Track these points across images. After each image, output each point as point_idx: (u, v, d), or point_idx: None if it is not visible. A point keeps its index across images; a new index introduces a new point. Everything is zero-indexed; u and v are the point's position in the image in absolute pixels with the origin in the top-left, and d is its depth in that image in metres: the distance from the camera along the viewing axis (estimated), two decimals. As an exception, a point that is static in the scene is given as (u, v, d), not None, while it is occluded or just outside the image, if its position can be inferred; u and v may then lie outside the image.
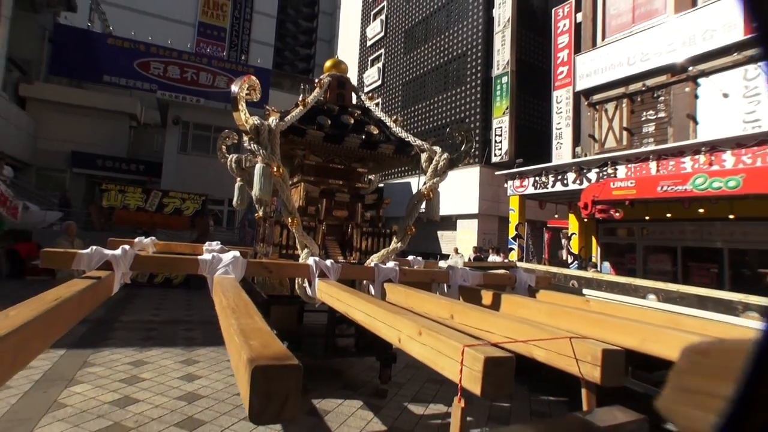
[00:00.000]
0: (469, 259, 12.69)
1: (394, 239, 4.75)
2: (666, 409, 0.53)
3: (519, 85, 17.56)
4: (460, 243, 17.90)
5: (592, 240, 12.69)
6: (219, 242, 5.97)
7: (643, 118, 12.36)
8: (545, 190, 11.55)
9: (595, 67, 13.23)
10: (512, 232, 12.93)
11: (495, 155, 17.39)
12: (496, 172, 15.01)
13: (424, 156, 4.96)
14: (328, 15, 51.45)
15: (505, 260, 11.40)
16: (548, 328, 2.43)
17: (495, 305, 3.97)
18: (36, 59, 19.72)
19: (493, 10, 18.45)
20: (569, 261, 12.34)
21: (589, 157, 11.31)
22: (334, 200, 5.05)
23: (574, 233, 12.68)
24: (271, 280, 4.56)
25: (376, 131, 5.13)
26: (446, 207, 19.32)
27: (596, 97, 13.38)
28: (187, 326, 7.12)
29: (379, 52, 27.36)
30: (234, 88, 3.92)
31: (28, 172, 17.71)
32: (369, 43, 28.69)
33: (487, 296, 4.08)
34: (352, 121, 5.11)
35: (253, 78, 4.04)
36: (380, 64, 26.89)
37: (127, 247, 3.46)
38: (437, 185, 4.86)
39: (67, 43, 20.51)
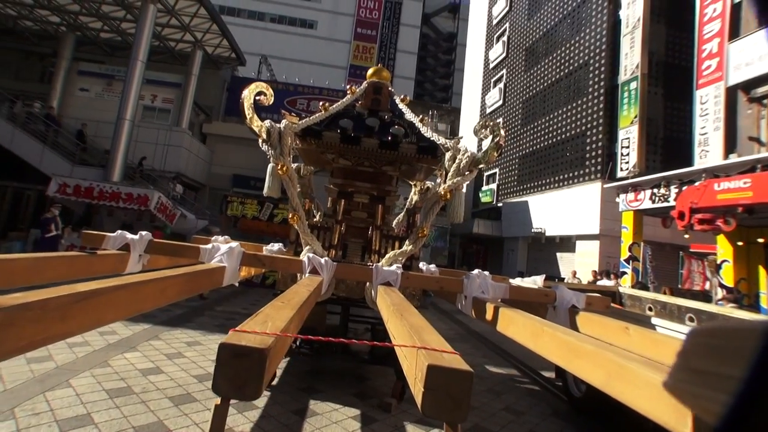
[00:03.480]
0: (588, 282, 10.92)
1: (406, 242, 4.23)
2: (674, 389, 0.52)
3: (651, 89, 14.83)
4: (579, 266, 15.63)
5: (759, 270, 9.48)
6: (282, 245, 6.13)
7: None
8: (666, 204, 9.22)
9: (761, 52, 10.03)
10: (624, 254, 10.66)
11: (621, 169, 14.82)
12: (605, 185, 12.72)
13: (447, 155, 4.36)
14: (464, 47, 51.76)
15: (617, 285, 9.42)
16: (422, 338, 1.75)
17: (493, 319, 3.22)
18: (217, 104, 24.00)
19: (620, 12, 16.11)
20: (718, 296, 9.26)
21: (728, 161, 8.65)
22: (352, 201, 4.79)
23: (725, 260, 9.75)
24: (282, 277, 4.48)
25: (401, 132, 4.73)
26: (564, 227, 17.33)
27: (762, 90, 10.14)
28: (263, 320, 7.50)
29: (501, 73, 26.27)
30: (243, 94, 3.99)
31: (204, 191, 21.37)
32: (491, 65, 27.83)
33: (491, 310, 3.34)
34: (379, 124, 4.81)
35: (262, 83, 4.08)
36: (501, 84, 25.76)
37: (144, 233, 3.73)
38: (459, 185, 4.20)
39: (238, 89, 24.57)
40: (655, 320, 4.30)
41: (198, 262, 3.78)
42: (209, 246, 3.78)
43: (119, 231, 3.68)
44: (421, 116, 4.73)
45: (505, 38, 25.93)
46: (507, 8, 26.35)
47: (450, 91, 51.12)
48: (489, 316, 3.34)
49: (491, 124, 4.24)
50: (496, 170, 24.77)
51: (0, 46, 20.03)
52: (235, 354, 1.22)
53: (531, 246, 20.50)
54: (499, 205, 23.06)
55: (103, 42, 20.33)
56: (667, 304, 5.66)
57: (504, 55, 25.76)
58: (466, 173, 4.22)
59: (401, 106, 5.05)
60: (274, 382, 4.34)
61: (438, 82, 53.92)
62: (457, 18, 50.42)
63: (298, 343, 4.57)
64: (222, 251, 3.76)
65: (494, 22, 28.34)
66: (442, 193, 4.16)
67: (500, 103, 25.36)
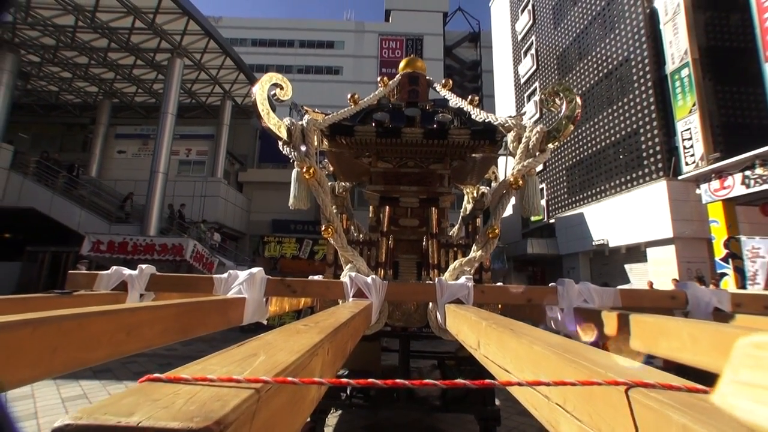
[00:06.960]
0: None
1: (473, 248, 3.31)
2: (724, 404, 0.48)
3: (705, 74, 13.47)
4: (654, 276, 13.84)
5: None
6: (322, 276, 5.37)
7: None
8: (766, 186, 7.75)
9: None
10: (719, 252, 9.03)
11: (686, 163, 13.23)
12: (679, 177, 11.19)
13: (510, 135, 3.49)
14: (490, 72, 51.52)
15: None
16: (606, 366, 0.81)
17: (623, 330, 2.20)
18: (251, 153, 24.46)
19: (655, 2, 15.13)
20: None
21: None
22: (398, 207, 3.94)
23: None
24: (321, 308, 3.64)
25: (448, 119, 3.92)
26: (630, 235, 15.62)
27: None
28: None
29: (534, 86, 25.45)
30: (254, 89, 3.35)
31: (244, 239, 21.29)
32: (522, 80, 27.13)
33: (613, 319, 2.32)
34: (420, 113, 4.03)
35: (277, 74, 3.43)
36: (536, 98, 24.87)
37: (144, 266, 3.04)
38: (531, 169, 3.29)
39: (271, 137, 25.05)
40: None
41: (214, 296, 2.99)
42: (225, 275, 3.02)
43: (114, 267, 2.98)
44: (470, 96, 3.93)
45: (533, 51, 25.33)
46: (531, 21, 25.89)
47: (480, 118, 50.47)
48: (611, 328, 2.31)
49: (561, 89, 3.34)
50: (543, 185, 23.41)
51: (46, 122, 21.74)
52: None
53: (593, 261, 18.71)
54: (551, 221, 21.51)
55: (137, 105, 21.63)
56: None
57: (534, 67, 25.05)
58: (538, 153, 3.30)
59: (444, 92, 4.28)
60: (321, 446, 3.40)
61: (467, 111, 53.65)
62: (478, 46, 50.48)
63: (349, 392, 3.64)
64: (241, 279, 2.96)
65: (519, 37, 27.89)
66: (512, 180, 3.25)
67: (537, 116, 24.34)
